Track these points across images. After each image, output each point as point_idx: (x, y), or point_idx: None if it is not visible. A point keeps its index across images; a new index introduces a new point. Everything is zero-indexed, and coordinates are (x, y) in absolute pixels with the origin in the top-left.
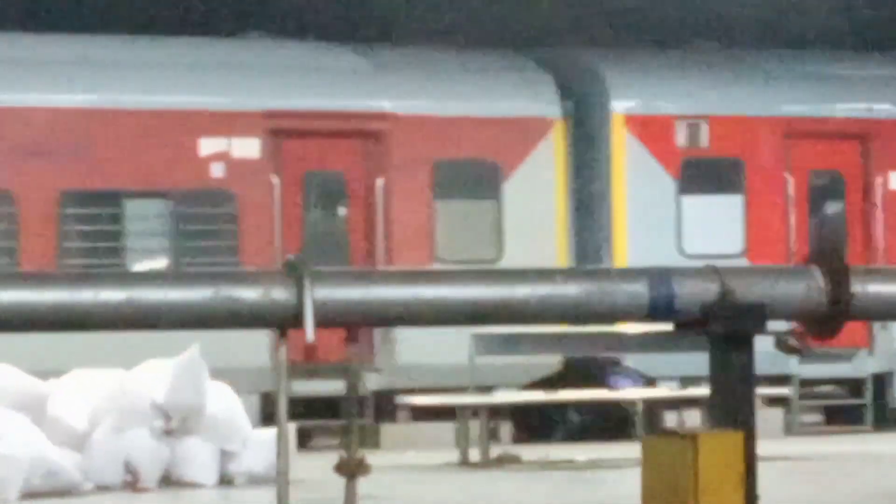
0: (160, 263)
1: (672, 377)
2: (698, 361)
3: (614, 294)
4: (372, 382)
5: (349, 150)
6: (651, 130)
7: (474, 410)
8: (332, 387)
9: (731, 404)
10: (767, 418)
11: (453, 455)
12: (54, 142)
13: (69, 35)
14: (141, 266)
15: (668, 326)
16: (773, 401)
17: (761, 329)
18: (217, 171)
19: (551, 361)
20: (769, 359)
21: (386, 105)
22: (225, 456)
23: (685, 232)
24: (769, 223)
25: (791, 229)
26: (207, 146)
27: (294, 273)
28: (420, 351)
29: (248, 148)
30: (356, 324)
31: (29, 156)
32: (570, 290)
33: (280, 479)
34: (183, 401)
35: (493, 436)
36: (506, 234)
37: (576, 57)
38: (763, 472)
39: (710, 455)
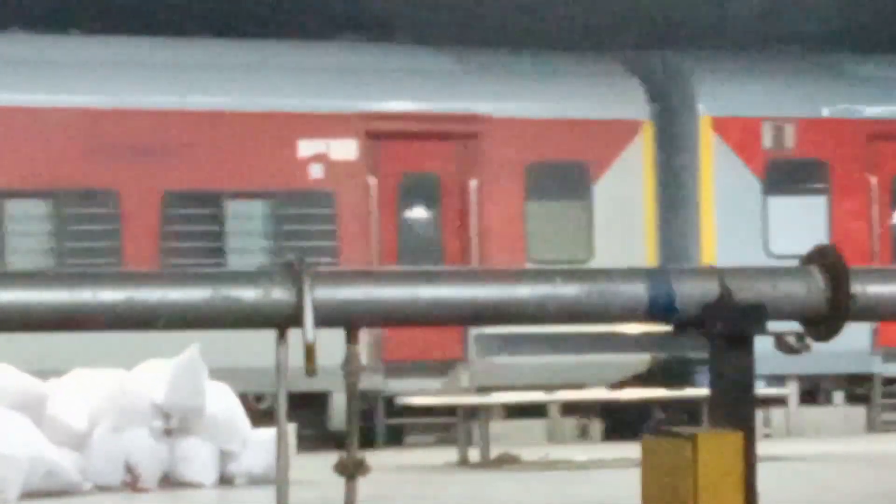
0: (253, 264)
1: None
2: (778, 359)
3: (613, 294)
4: (464, 381)
5: (443, 151)
6: (737, 132)
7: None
8: (429, 385)
9: (731, 405)
10: (850, 416)
11: (453, 455)
12: (159, 143)
13: (169, 38)
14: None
15: (667, 327)
16: (854, 398)
17: (761, 329)
18: (316, 172)
19: (640, 360)
20: (853, 358)
21: (479, 107)
22: (224, 456)
23: (771, 232)
24: (852, 224)
25: (874, 230)
26: (306, 148)
27: (293, 273)
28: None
29: (345, 149)
30: (356, 324)
31: (134, 156)
32: (570, 290)
33: (280, 480)
34: (182, 401)
35: (583, 433)
36: (596, 235)
37: (662, 60)
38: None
39: (710, 456)
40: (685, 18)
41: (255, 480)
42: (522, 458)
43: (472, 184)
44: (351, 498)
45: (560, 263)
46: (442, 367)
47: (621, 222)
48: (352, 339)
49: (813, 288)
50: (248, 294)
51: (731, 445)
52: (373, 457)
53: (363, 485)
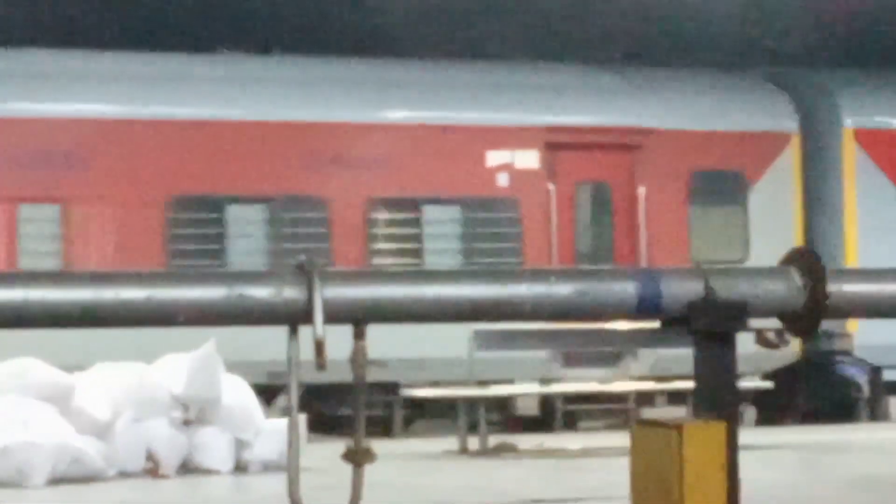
0: (454, 264)
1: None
2: None
3: (605, 293)
4: (633, 369)
5: (615, 161)
6: (879, 144)
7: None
8: (600, 373)
9: (715, 396)
10: None
11: (453, 444)
12: (363, 153)
13: (369, 59)
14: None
15: (654, 324)
16: None
17: (742, 326)
18: (502, 180)
19: (789, 352)
20: None
21: (646, 121)
22: (239, 444)
23: None
24: None
25: None
26: (494, 158)
27: (304, 273)
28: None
29: (528, 160)
30: (363, 321)
31: (342, 166)
32: (563, 289)
33: (291, 466)
34: (199, 393)
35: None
36: (751, 238)
37: (807, 75)
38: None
39: (695, 444)
40: (826, 36)
41: (269, 467)
42: (518, 447)
43: (641, 190)
44: (358, 484)
45: (719, 263)
46: (611, 358)
47: (773, 226)
48: (358, 335)
49: (791, 287)
50: (261, 293)
51: (715, 435)
52: (377, 445)
53: (369, 472)
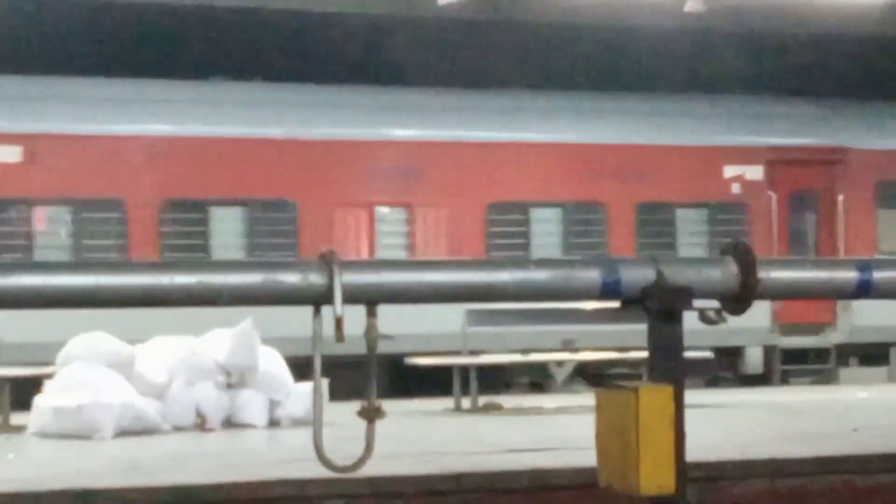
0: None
1: None
2: None
3: (574, 279)
4: (833, 338)
5: (819, 174)
6: None
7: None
8: (808, 340)
9: (665, 365)
10: None
11: (449, 403)
12: (632, 168)
13: (547, 90)
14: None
15: (615, 304)
16: None
17: (687, 306)
18: (735, 189)
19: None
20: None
21: (843, 141)
22: (273, 404)
23: None
24: None
25: None
26: (729, 172)
27: (326, 262)
28: (872, 314)
29: (754, 173)
30: (374, 302)
31: (615, 178)
32: (541, 275)
33: (316, 422)
34: (240, 361)
35: None
36: None
37: None
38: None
39: (649, 404)
40: None
41: (297, 423)
42: (503, 406)
43: (840, 197)
44: (371, 436)
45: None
46: (816, 328)
47: None
48: (371, 314)
49: (728, 274)
50: (291, 278)
51: (665, 396)
52: (386, 404)
53: (380, 426)
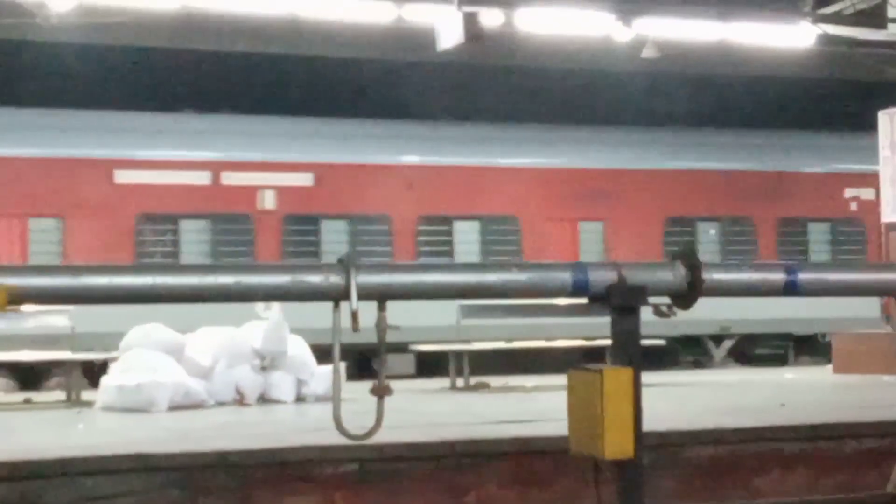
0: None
1: None
2: None
3: (549, 279)
4: None
5: None
6: None
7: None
8: None
9: (625, 350)
10: None
11: (445, 383)
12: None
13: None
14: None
15: (583, 300)
16: None
17: (643, 302)
18: (853, 207)
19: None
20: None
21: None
22: (299, 383)
23: None
24: None
25: None
26: (849, 192)
27: (343, 265)
28: None
29: (869, 194)
30: (383, 298)
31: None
32: (522, 276)
33: (335, 398)
34: (272, 347)
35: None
36: None
37: None
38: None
39: (612, 383)
40: None
41: (320, 399)
42: (491, 385)
43: None
44: (380, 410)
45: None
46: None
47: None
48: (381, 308)
49: (678, 275)
50: (314, 279)
51: (625, 377)
52: (394, 382)
53: (388, 401)
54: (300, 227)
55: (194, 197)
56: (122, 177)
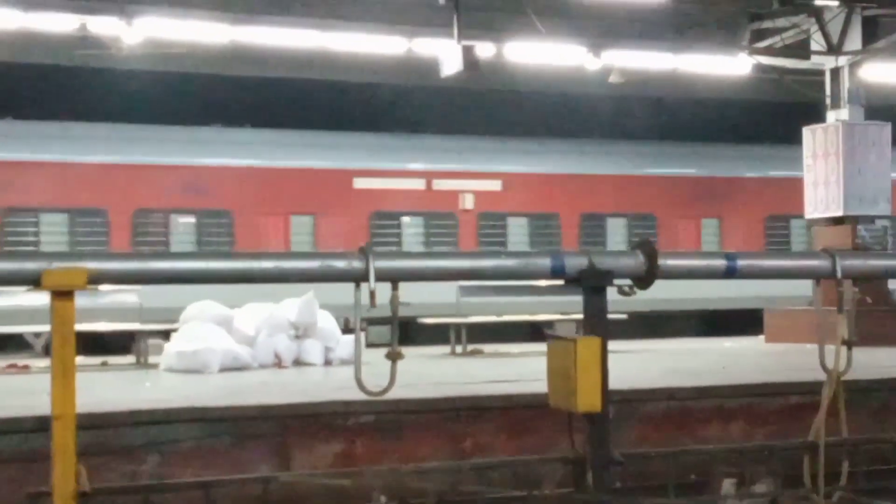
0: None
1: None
2: None
3: (532, 264)
4: None
5: None
6: None
7: (458, 326)
8: None
9: (594, 323)
10: None
11: (446, 350)
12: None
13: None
14: None
15: (560, 282)
16: None
17: (610, 283)
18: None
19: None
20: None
21: None
22: (327, 349)
23: None
24: None
25: None
26: (773, 194)
27: (363, 252)
28: None
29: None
30: (396, 280)
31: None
32: (510, 262)
33: (357, 361)
34: (304, 320)
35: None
36: None
37: None
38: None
39: (583, 350)
40: None
41: (344, 362)
42: (484, 351)
43: None
44: (393, 372)
45: None
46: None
47: None
48: (394, 288)
49: (638, 262)
50: (339, 263)
51: (595, 345)
52: (405, 350)
53: (400, 364)
54: (491, 222)
55: (412, 199)
56: (359, 183)
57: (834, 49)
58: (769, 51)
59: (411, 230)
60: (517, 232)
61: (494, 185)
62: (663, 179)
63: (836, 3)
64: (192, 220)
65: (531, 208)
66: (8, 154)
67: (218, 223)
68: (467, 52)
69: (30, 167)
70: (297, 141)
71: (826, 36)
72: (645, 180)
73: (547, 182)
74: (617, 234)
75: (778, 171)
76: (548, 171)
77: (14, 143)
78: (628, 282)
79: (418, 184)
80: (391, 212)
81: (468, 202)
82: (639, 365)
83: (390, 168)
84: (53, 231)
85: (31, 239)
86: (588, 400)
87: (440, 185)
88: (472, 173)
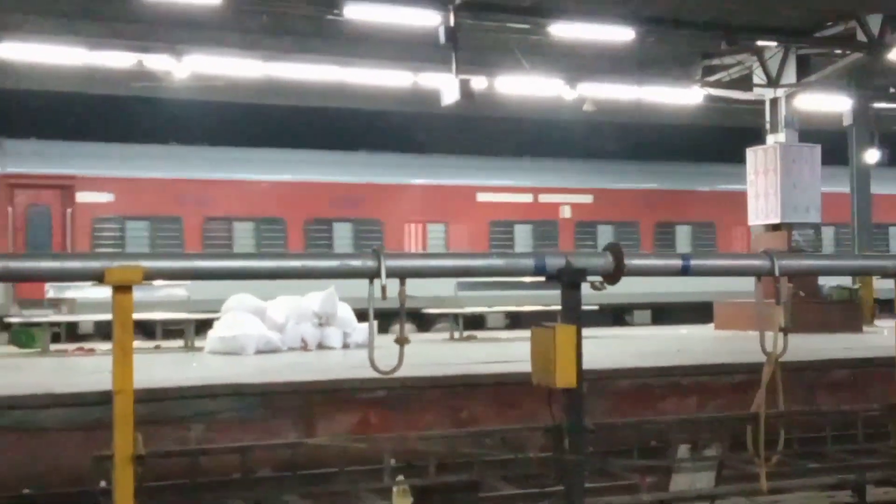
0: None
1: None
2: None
3: (518, 264)
4: None
5: None
6: None
7: (457, 315)
8: None
9: (570, 313)
10: None
11: (446, 335)
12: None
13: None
14: None
15: (541, 279)
16: None
17: (583, 279)
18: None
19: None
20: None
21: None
22: (345, 335)
23: None
24: None
25: None
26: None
27: (376, 253)
28: None
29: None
30: (404, 276)
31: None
32: (499, 261)
33: (370, 345)
34: (326, 310)
35: None
36: None
37: None
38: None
39: (561, 335)
40: None
41: (359, 346)
42: (478, 337)
43: None
44: (401, 354)
45: None
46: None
47: None
48: (402, 283)
49: (608, 261)
50: (355, 262)
51: (571, 331)
52: (411, 335)
53: (407, 348)
54: (585, 229)
55: (522, 210)
56: (482, 197)
57: (773, 82)
58: (718, 84)
59: (522, 235)
60: (604, 237)
61: (587, 199)
62: (721, 194)
63: (775, 44)
64: (349, 227)
65: (617, 218)
66: (205, 174)
67: (371, 229)
68: (464, 84)
69: (223, 185)
70: (432, 163)
71: (766, 71)
72: (705, 196)
73: (629, 196)
74: (682, 239)
75: (622, 184)
76: (629, 187)
77: (209, 164)
78: (599, 278)
79: (527, 198)
80: (506, 220)
81: (566, 212)
82: (608, 348)
83: (505, 185)
84: (244, 236)
85: (225, 242)
86: (565, 378)
87: (544, 198)
88: (569, 189)
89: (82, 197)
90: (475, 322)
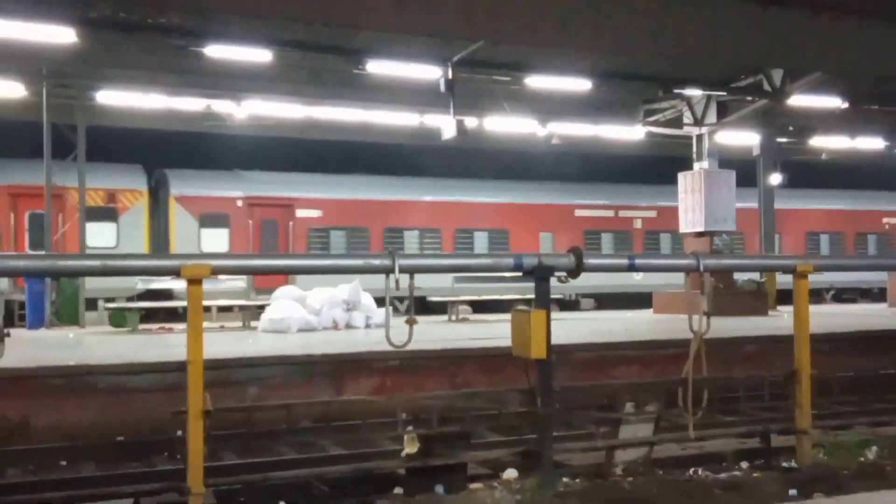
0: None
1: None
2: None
3: (501, 262)
4: None
5: None
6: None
7: (454, 302)
8: None
9: (541, 301)
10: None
11: (444, 317)
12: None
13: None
14: None
15: (519, 273)
16: None
17: (552, 274)
18: (637, 224)
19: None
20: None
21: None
22: (367, 318)
23: None
24: None
25: None
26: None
27: (391, 253)
28: None
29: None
30: (413, 272)
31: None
32: (487, 260)
33: (386, 325)
34: (353, 298)
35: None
36: None
37: None
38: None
39: (535, 318)
40: None
41: (378, 326)
42: (470, 319)
43: None
44: (410, 332)
45: None
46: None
47: None
48: (411, 277)
49: (570, 260)
50: (375, 261)
51: (542, 315)
52: (419, 317)
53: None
54: (652, 237)
55: (605, 222)
56: (578, 212)
57: (698, 122)
58: (656, 123)
59: (606, 242)
60: (666, 244)
61: (652, 214)
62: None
63: (700, 93)
64: (485, 235)
65: (674, 228)
66: (391, 196)
67: (501, 237)
68: (460, 123)
69: (396, 204)
70: (544, 188)
71: (693, 114)
72: (750, 213)
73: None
74: (738, 248)
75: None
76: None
77: (388, 189)
78: (564, 274)
79: (610, 213)
80: (596, 230)
81: (638, 224)
82: (570, 328)
83: (595, 203)
84: (412, 241)
85: (398, 246)
86: (538, 350)
87: (623, 213)
88: (640, 206)
89: (300, 213)
90: (477, 307)
